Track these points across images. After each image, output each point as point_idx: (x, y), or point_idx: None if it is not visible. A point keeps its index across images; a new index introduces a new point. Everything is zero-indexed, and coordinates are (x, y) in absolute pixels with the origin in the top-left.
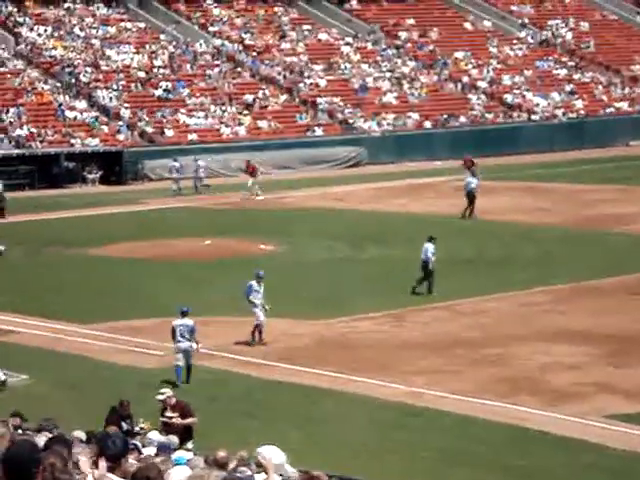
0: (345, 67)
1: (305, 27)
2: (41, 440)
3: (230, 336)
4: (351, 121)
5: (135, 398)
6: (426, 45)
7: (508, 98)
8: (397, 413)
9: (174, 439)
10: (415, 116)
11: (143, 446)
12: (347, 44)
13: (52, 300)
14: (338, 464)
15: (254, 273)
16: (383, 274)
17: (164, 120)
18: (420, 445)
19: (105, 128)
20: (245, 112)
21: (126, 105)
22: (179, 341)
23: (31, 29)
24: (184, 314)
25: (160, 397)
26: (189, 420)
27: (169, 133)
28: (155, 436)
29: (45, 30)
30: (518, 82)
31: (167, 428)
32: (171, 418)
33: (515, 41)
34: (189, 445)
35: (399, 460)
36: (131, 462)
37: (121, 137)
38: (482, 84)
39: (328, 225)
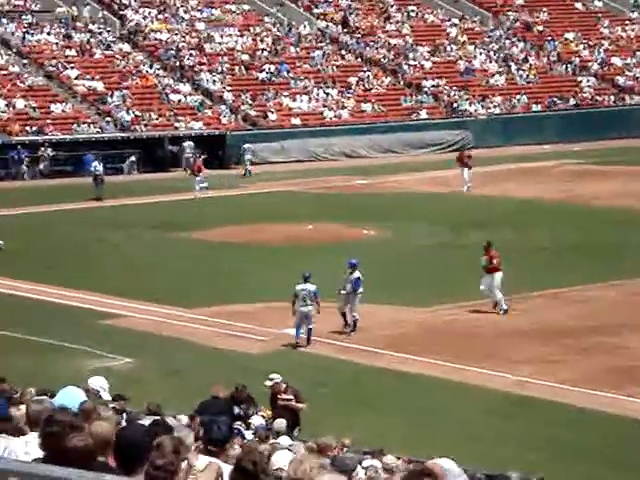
0: (451, 49)
1: (411, 8)
2: (145, 423)
3: (334, 322)
4: (457, 104)
5: (238, 383)
6: (535, 26)
7: (620, 80)
8: (504, 402)
9: (282, 424)
10: (523, 99)
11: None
12: (453, 25)
13: (156, 284)
14: (444, 453)
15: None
16: None
17: (267, 103)
18: (529, 436)
19: (209, 112)
20: (348, 95)
21: (229, 88)
22: (301, 305)
23: (136, 11)
24: (307, 279)
25: (269, 383)
26: (302, 405)
27: (272, 116)
28: (256, 420)
29: (150, 12)
30: (630, 64)
31: (281, 412)
32: (289, 400)
33: (627, 22)
34: (295, 432)
35: (507, 451)
36: (235, 447)
37: (224, 120)
38: (593, 66)
39: (432, 210)
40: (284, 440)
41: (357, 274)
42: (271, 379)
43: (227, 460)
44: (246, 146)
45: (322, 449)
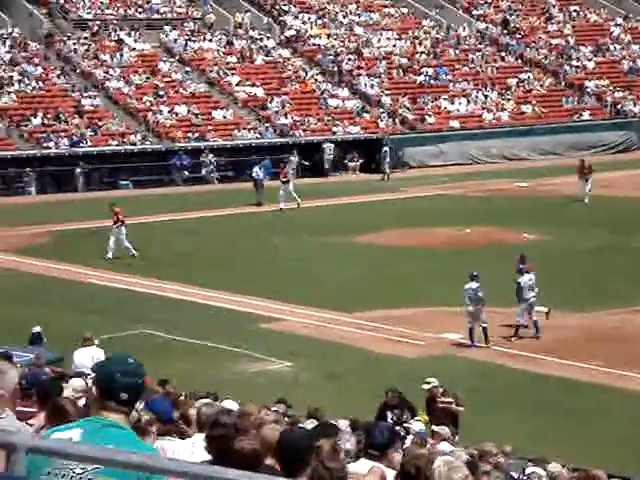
0: (614, 48)
1: (573, 8)
2: (308, 427)
3: (493, 327)
4: (620, 104)
5: (397, 388)
6: None
7: None
8: None
9: (445, 430)
10: None
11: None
12: (617, 24)
13: (315, 288)
14: (607, 461)
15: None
16: None
17: (425, 106)
18: None
19: (366, 116)
20: (508, 96)
21: (387, 92)
22: (467, 304)
23: (296, 17)
24: (473, 278)
25: (426, 386)
26: (461, 408)
27: (430, 120)
28: (416, 426)
29: (309, 18)
30: None
31: (439, 416)
32: (450, 403)
33: None
34: (456, 438)
35: None
36: (398, 452)
37: (382, 124)
38: None
39: (594, 213)
40: (444, 446)
41: (523, 278)
42: (428, 382)
43: (389, 465)
44: (386, 149)
45: (483, 455)
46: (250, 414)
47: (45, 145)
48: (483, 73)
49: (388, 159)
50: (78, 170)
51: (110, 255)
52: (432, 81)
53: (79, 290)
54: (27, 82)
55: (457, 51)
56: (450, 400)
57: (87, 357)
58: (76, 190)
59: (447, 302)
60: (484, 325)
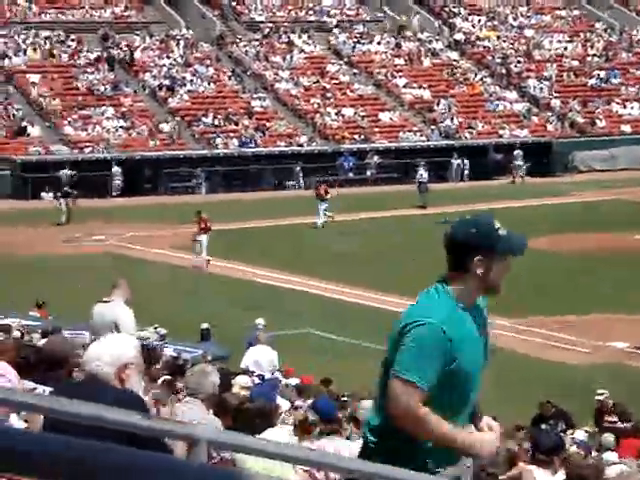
0: None
1: None
2: None
3: None
4: None
5: (560, 396)
6: None
7: None
8: None
9: (610, 438)
10: None
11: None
12: None
13: None
14: None
15: None
16: None
17: (596, 110)
18: None
19: (535, 119)
20: None
21: (557, 95)
22: None
23: (465, 19)
24: None
25: (599, 397)
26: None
27: (600, 124)
28: (579, 435)
29: (479, 20)
30: None
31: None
32: (614, 423)
33: None
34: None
35: None
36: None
37: (550, 128)
38: None
39: None
40: (610, 456)
41: None
42: (600, 393)
43: (556, 471)
44: (516, 152)
45: None
46: None
47: (215, 145)
48: None
49: (519, 162)
50: (298, 168)
51: (205, 257)
52: (603, 84)
53: (244, 288)
54: (199, 83)
55: (630, 54)
56: (614, 419)
57: (258, 356)
58: (261, 189)
59: (612, 309)
60: None
